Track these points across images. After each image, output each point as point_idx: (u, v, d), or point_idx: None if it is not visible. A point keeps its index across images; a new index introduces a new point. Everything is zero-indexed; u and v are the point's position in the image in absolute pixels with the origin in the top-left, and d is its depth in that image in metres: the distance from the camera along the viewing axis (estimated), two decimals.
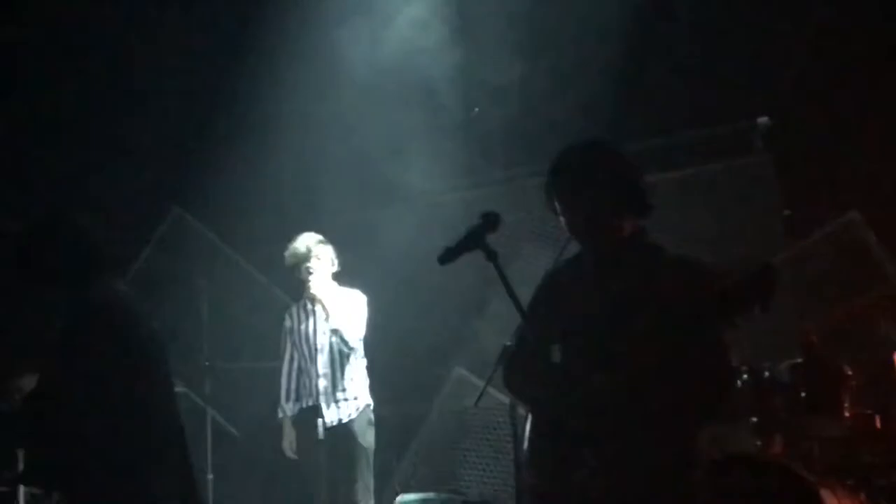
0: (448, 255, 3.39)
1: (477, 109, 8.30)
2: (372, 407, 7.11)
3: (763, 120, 7.96)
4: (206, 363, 8.36)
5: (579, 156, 3.72)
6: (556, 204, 3.70)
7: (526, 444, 3.76)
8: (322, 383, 6.94)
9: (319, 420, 6.79)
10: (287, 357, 7.25)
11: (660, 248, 3.78)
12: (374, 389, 7.19)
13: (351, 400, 7.02)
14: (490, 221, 3.43)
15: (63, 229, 4.11)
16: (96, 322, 3.86)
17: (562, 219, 3.69)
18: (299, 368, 7.18)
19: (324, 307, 6.97)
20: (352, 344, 6.97)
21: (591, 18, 7.57)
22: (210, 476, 7.95)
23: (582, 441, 3.39)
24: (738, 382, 5.69)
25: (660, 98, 8.18)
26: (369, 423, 7.06)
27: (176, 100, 9.23)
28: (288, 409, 7.16)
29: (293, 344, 7.22)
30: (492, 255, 3.39)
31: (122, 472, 3.83)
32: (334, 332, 6.96)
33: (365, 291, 7.18)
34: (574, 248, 3.87)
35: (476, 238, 3.40)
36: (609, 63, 7.71)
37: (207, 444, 8.06)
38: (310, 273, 6.99)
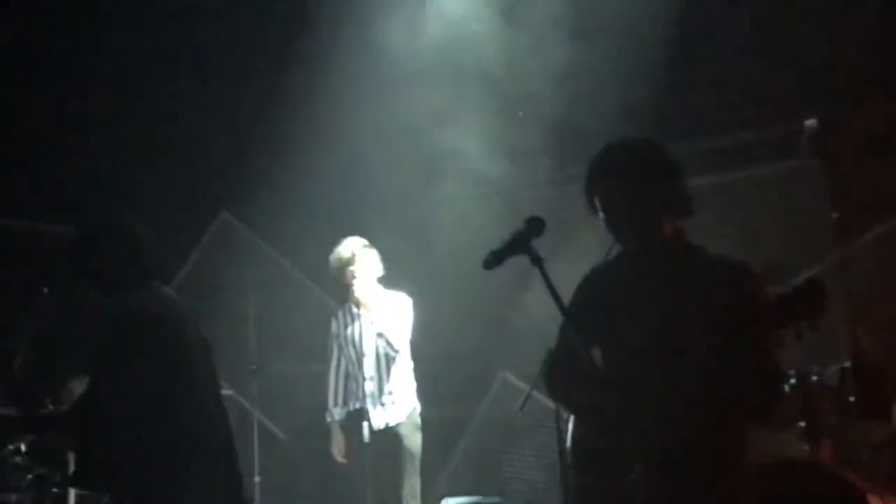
0: (493, 260, 3.39)
1: (521, 113, 8.28)
2: (419, 411, 7.12)
3: (811, 122, 7.87)
4: (253, 366, 8.41)
5: (620, 154, 3.69)
6: (596, 203, 3.67)
7: (570, 447, 3.75)
8: (369, 387, 6.96)
9: (365, 423, 6.81)
10: (334, 361, 7.29)
11: (701, 248, 3.76)
12: (420, 392, 7.20)
13: (398, 403, 7.04)
14: (535, 226, 3.42)
15: (114, 235, 4.15)
16: (144, 327, 3.90)
17: (601, 217, 3.66)
18: (346, 372, 7.22)
19: (368, 311, 6.99)
20: (396, 346, 6.99)
21: (638, 18, 7.54)
22: (257, 478, 7.99)
23: (629, 443, 3.38)
24: (786, 387, 5.64)
25: (706, 100, 8.12)
26: (416, 426, 7.07)
27: (223, 105, 9.30)
28: (336, 413, 7.20)
29: (339, 348, 7.26)
30: (537, 260, 3.37)
31: (169, 474, 3.86)
32: (379, 335, 6.98)
33: (411, 294, 7.19)
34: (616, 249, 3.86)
35: (521, 243, 3.39)
36: (654, 64, 7.67)
37: (254, 447, 8.11)
38: (353, 277, 7.01)
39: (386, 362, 7.03)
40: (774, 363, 3.53)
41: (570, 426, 3.79)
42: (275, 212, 9.19)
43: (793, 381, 5.71)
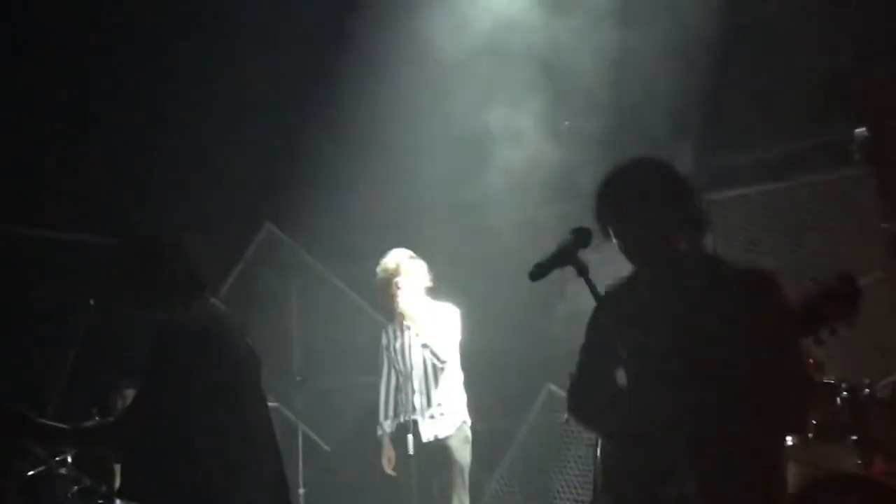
0: (539, 271, 3.35)
1: (567, 123, 8.25)
2: (469, 423, 7.07)
3: (861, 131, 7.78)
4: (298, 378, 8.42)
5: (628, 175, 3.65)
6: (609, 228, 3.62)
7: (600, 470, 3.70)
8: (417, 399, 6.94)
9: (409, 436, 6.77)
10: (385, 374, 7.28)
11: (720, 260, 3.73)
12: (466, 405, 7.16)
13: (447, 415, 7.00)
14: (581, 236, 3.39)
15: (163, 248, 4.15)
16: (191, 340, 3.89)
17: (615, 242, 3.61)
18: (396, 386, 7.20)
19: (414, 322, 6.96)
20: (443, 357, 6.94)
21: (684, 28, 7.49)
22: (301, 490, 8.00)
23: (661, 463, 3.33)
24: (838, 400, 5.55)
25: (756, 109, 8.05)
26: (466, 439, 7.03)
27: (268, 116, 9.34)
28: (386, 426, 7.19)
29: (389, 361, 7.25)
30: (583, 271, 3.34)
31: (216, 486, 3.85)
32: (424, 346, 6.94)
33: (459, 307, 7.15)
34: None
35: (567, 253, 3.35)
36: (702, 74, 7.62)
37: (298, 459, 8.11)
38: (399, 289, 6.99)
39: (433, 373, 7.00)
40: (803, 370, 3.50)
41: (599, 451, 3.73)
42: (319, 223, 9.21)
43: (844, 393, 5.61)
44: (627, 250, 3.61)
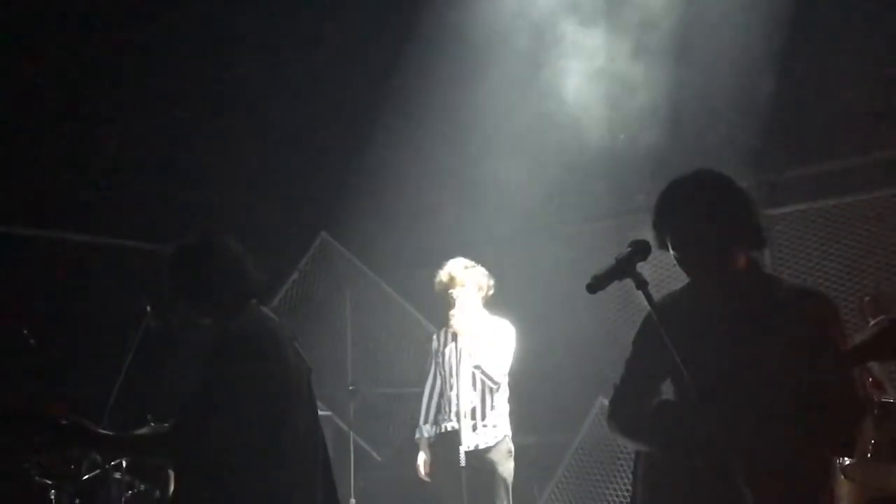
0: (597, 284, 3.33)
1: (623, 136, 8.21)
2: (510, 436, 7.03)
3: None
4: (351, 387, 8.42)
5: (689, 188, 3.62)
6: (667, 239, 3.59)
7: (640, 485, 3.67)
8: (464, 407, 6.89)
9: (461, 447, 6.73)
10: (430, 379, 7.25)
11: (776, 278, 3.71)
12: (519, 418, 7.13)
13: (490, 427, 6.94)
14: (640, 249, 3.36)
15: (216, 255, 4.17)
16: (243, 348, 3.90)
17: (673, 254, 3.58)
18: (440, 392, 7.17)
19: (465, 336, 6.91)
20: (497, 379, 6.89)
21: (743, 44, 7.44)
22: (353, 500, 7.99)
23: (710, 480, 3.29)
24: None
25: (810, 126, 7.98)
26: (509, 452, 6.97)
27: (324, 125, 9.39)
28: (425, 430, 7.15)
29: (437, 366, 7.22)
30: (641, 284, 3.32)
31: (268, 494, 3.86)
32: (476, 367, 6.89)
33: (513, 319, 7.12)
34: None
35: (625, 266, 3.33)
36: (758, 91, 7.57)
37: (350, 469, 8.12)
38: (454, 299, 6.97)
39: (483, 390, 6.94)
40: (855, 394, 3.43)
41: (642, 466, 3.70)
42: (374, 233, 9.24)
43: None
44: (684, 262, 3.58)
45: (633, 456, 3.80)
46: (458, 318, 6.94)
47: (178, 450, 3.92)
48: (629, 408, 3.76)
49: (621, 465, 8.25)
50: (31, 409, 3.87)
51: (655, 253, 3.50)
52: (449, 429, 6.97)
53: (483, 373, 6.86)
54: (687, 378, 3.22)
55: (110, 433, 4.06)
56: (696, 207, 3.54)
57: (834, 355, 3.37)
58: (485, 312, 7.11)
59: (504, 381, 6.95)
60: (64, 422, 3.88)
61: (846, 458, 5.45)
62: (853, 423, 3.48)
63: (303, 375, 4.19)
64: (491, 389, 6.91)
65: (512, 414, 7.08)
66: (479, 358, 6.86)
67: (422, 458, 7.10)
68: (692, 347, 3.34)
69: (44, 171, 8.87)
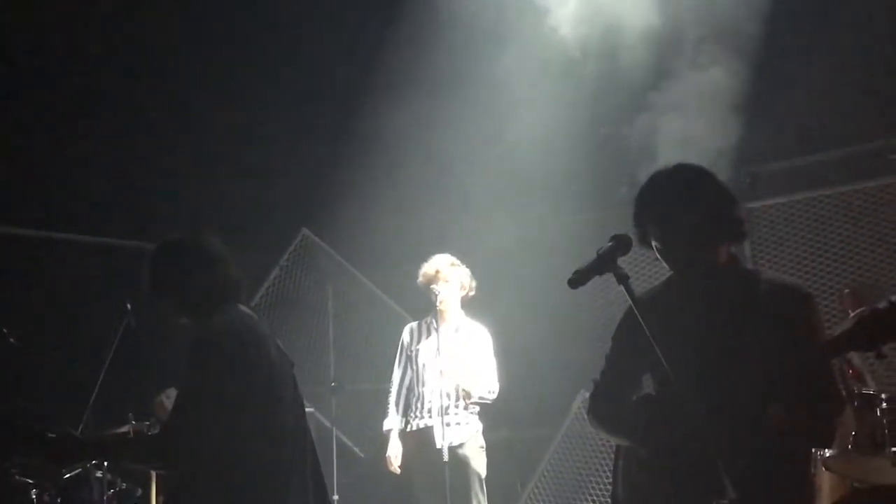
0: (579, 279, 3.33)
1: (603, 129, 8.22)
2: (481, 431, 7.03)
3: None
4: (333, 384, 8.41)
5: (670, 181, 3.63)
6: (648, 232, 3.60)
7: (621, 479, 3.67)
8: (436, 405, 6.88)
9: (444, 443, 6.72)
10: (399, 371, 7.23)
11: (755, 272, 3.73)
12: (500, 413, 7.13)
13: (463, 424, 6.94)
14: (621, 244, 3.37)
15: (192, 255, 4.15)
16: (207, 349, 3.87)
17: (654, 246, 3.59)
18: (409, 386, 7.16)
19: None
20: (494, 396, 6.94)
21: (725, 33, 7.46)
22: (335, 497, 7.98)
23: (692, 473, 3.30)
24: (878, 411, 5.48)
25: (797, 118, 7.99)
26: (481, 447, 6.97)
27: (305, 122, 9.37)
28: (396, 422, 7.13)
29: (407, 359, 7.20)
30: (622, 279, 3.32)
31: (254, 491, 3.84)
32: (466, 395, 6.88)
33: (493, 315, 7.12)
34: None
35: (607, 261, 3.33)
36: (741, 82, 7.58)
37: (333, 465, 8.11)
38: (436, 294, 6.97)
39: (458, 394, 6.92)
40: (834, 385, 3.48)
41: (622, 461, 3.70)
42: (356, 229, 9.22)
43: (884, 405, 5.53)
44: (665, 255, 3.59)
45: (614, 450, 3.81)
46: (443, 308, 6.95)
47: (164, 454, 3.90)
48: (609, 402, 3.77)
49: (603, 460, 8.25)
50: (19, 423, 3.84)
51: (636, 247, 3.51)
52: (421, 426, 6.96)
53: (480, 399, 6.88)
54: (668, 373, 3.22)
55: (98, 443, 4.04)
56: (676, 201, 3.55)
57: (812, 347, 3.38)
58: (462, 313, 7.12)
59: (497, 389, 6.95)
60: (52, 435, 3.85)
61: (827, 450, 5.46)
62: (832, 415, 3.52)
63: (286, 371, 4.18)
64: (469, 395, 6.91)
65: (493, 409, 7.08)
66: (460, 379, 6.86)
67: (393, 450, 7.08)
68: (672, 341, 3.35)
69: (25, 168, 8.82)
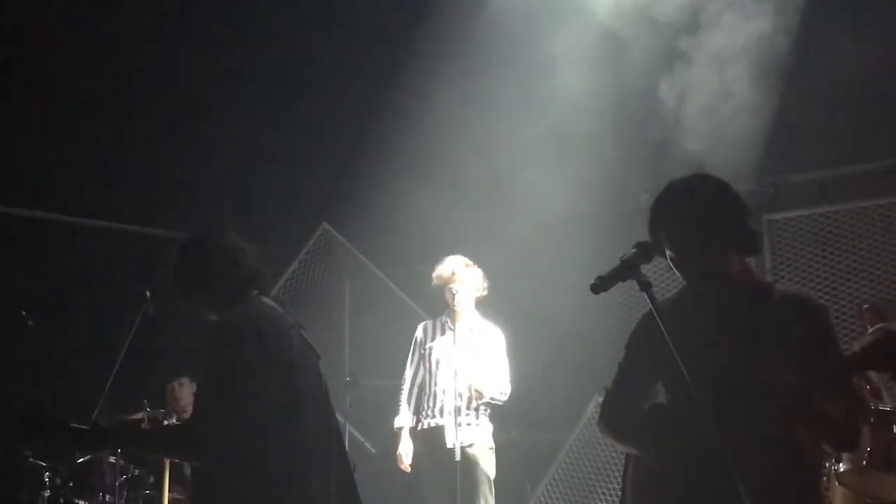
0: (602, 284, 3.32)
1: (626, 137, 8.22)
2: (492, 432, 7.03)
3: None
4: (347, 378, 8.42)
5: (685, 192, 3.61)
6: (662, 241, 3.57)
7: (630, 487, 3.66)
8: (448, 404, 6.89)
9: (456, 443, 6.73)
10: (411, 369, 7.24)
11: (769, 284, 3.72)
12: (513, 415, 7.13)
13: (473, 425, 6.95)
14: (645, 251, 3.36)
15: (214, 249, 4.17)
16: (246, 336, 3.90)
17: (668, 254, 3.57)
18: (421, 384, 7.18)
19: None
20: (506, 397, 6.95)
21: (747, 47, 7.45)
22: None
23: (700, 483, 3.29)
24: (894, 428, 5.46)
25: (813, 132, 7.97)
26: (491, 448, 6.98)
27: (326, 118, 9.39)
28: (407, 420, 7.15)
29: (420, 357, 7.22)
30: (645, 286, 3.30)
31: (275, 480, 3.85)
32: (478, 396, 6.88)
33: (507, 317, 7.12)
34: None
35: (630, 268, 3.32)
36: (764, 97, 7.57)
37: None
38: (453, 294, 6.98)
39: (468, 395, 6.93)
40: (851, 394, 3.42)
41: (630, 470, 3.70)
42: (375, 225, 9.24)
43: None
44: (678, 265, 3.58)
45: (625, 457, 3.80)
46: (458, 309, 6.96)
47: (186, 445, 3.92)
48: (620, 410, 3.75)
49: (615, 465, 8.24)
50: (45, 413, 3.87)
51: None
52: (433, 425, 6.97)
53: (492, 400, 6.89)
54: (686, 383, 3.21)
55: (122, 433, 4.07)
56: (691, 211, 3.54)
57: (828, 361, 3.35)
58: (476, 314, 7.13)
59: (509, 390, 6.96)
60: (79, 425, 3.89)
61: (841, 465, 5.45)
62: (846, 430, 3.44)
63: (311, 364, 4.19)
64: (480, 396, 6.91)
65: (505, 410, 7.09)
66: (472, 379, 6.87)
67: (404, 447, 7.09)
68: (684, 351, 3.34)
69: (45, 153, 8.87)
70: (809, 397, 3.26)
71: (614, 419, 3.79)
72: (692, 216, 3.53)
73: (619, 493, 7.81)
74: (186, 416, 7.32)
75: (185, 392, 8.26)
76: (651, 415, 3.60)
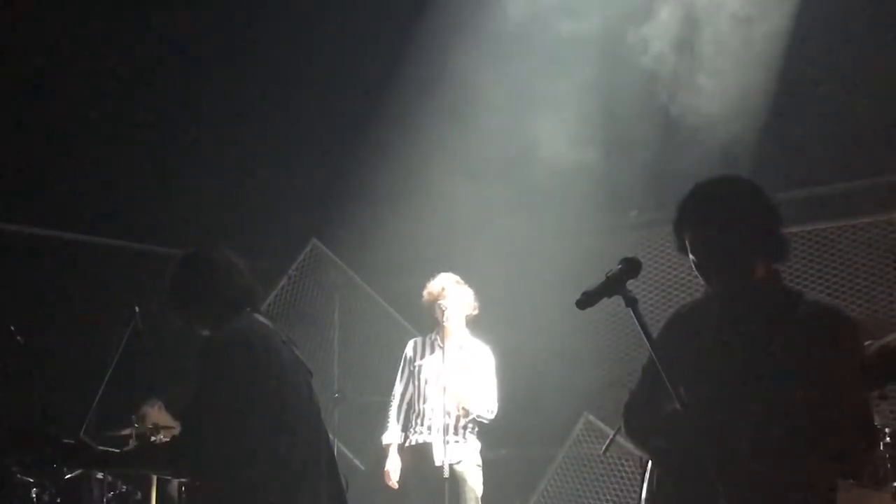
0: (587, 300, 3.29)
1: (616, 152, 8.24)
2: (479, 449, 7.02)
3: None
4: (336, 394, 8.42)
5: (712, 194, 3.54)
6: (686, 242, 3.52)
7: (645, 493, 3.64)
8: (436, 422, 6.88)
9: (445, 460, 6.71)
10: (401, 385, 7.24)
11: (797, 293, 3.60)
12: (503, 431, 7.12)
13: (461, 442, 6.94)
14: (631, 267, 3.32)
15: (207, 266, 4.17)
16: (232, 354, 3.90)
17: (691, 258, 3.52)
18: (409, 401, 7.17)
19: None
20: (493, 416, 6.94)
21: (741, 63, 7.48)
22: None
23: (714, 492, 3.27)
24: (881, 446, 5.47)
25: (807, 149, 7.99)
26: (478, 466, 6.97)
27: (315, 134, 9.40)
28: (396, 436, 7.14)
29: (410, 374, 7.21)
30: (631, 302, 3.26)
31: (271, 497, 3.85)
32: (465, 415, 6.88)
33: (496, 333, 7.11)
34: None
35: (616, 283, 3.29)
36: (753, 111, 7.59)
37: None
38: (442, 311, 6.97)
39: (457, 412, 6.92)
40: (868, 415, 3.38)
41: (648, 475, 3.66)
42: (364, 240, 9.25)
43: (888, 440, 5.52)
44: (702, 269, 3.52)
45: (617, 472, 3.80)
46: (448, 327, 6.95)
47: (176, 462, 3.92)
48: (641, 414, 3.70)
49: (604, 482, 8.24)
50: (34, 428, 3.86)
51: (676, 254, 3.44)
52: (420, 442, 6.96)
53: (478, 417, 6.88)
54: (690, 388, 3.19)
55: (111, 452, 4.06)
56: (719, 214, 3.47)
57: (846, 374, 3.32)
58: (466, 332, 7.13)
59: (496, 409, 6.95)
60: (68, 441, 3.88)
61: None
62: (861, 445, 3.38)
63: (301, 379, 4.19)
64: (469, 414, 6.91)
65: (494, 427, 7.08)
66: (463, 398, 6.86)
67: (392, 464, 7.08)
68: (703, 358, 3.32)
69: (35, 170, 8.87)
70: (814, 414, 3.24)
71: (635, 423, 3.72)
72: (719, 219, 3.47)
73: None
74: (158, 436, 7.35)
75: (155, 413, 8.31)
76: (669, 421, 3.50)
